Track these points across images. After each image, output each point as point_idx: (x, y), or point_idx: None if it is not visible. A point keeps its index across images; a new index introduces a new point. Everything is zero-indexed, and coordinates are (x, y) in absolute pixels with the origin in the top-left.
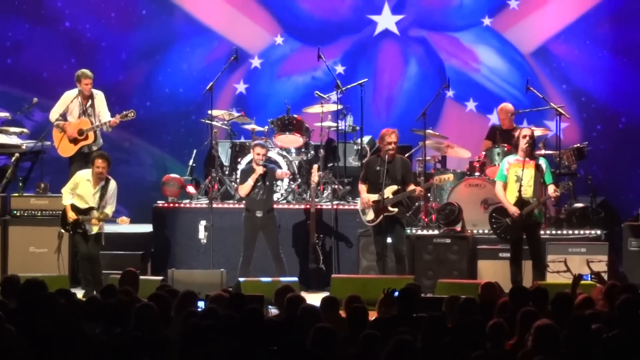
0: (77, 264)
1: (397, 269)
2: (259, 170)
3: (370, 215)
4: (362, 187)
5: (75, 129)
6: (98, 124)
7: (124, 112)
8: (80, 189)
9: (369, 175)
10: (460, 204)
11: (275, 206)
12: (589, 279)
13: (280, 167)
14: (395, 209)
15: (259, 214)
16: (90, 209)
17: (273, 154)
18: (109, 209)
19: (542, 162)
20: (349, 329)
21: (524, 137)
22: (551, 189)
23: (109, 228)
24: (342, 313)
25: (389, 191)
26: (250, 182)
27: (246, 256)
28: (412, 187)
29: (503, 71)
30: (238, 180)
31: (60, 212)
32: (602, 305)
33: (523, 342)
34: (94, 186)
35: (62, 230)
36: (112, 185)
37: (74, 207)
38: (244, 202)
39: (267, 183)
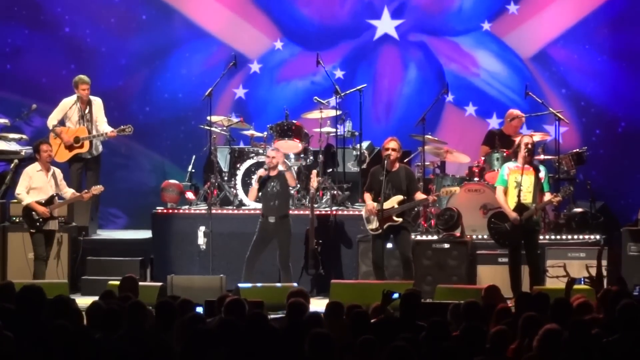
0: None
1: (404, 274)
2: (260, 171)
3: (375, 223)
4: (367, 196)
5: (72, 135)
6: (95, 133)
7: (122, 127)
8: (36, 182)
9: (374, 184)
10: (459, 209)
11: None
12: (582, 282)
13: (292, 172)
14: (400, 219)
15: (271, 219)
16: (52, 197)
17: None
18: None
19: (542, 169)
20: (351, 334)
21: (525, 144)
22: (548, 196)
23: (108, 234)
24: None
25: (394, 201)
26: (254, 185)
27: (249, 257)
28: (419, 195)
29: (502, 76)
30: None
31: (22, 215)
32: (597, 311)
33: (523, 347)
34: (46, 174)
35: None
36: (57, 170)
37: (38, 203)
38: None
39: (280, 188)
